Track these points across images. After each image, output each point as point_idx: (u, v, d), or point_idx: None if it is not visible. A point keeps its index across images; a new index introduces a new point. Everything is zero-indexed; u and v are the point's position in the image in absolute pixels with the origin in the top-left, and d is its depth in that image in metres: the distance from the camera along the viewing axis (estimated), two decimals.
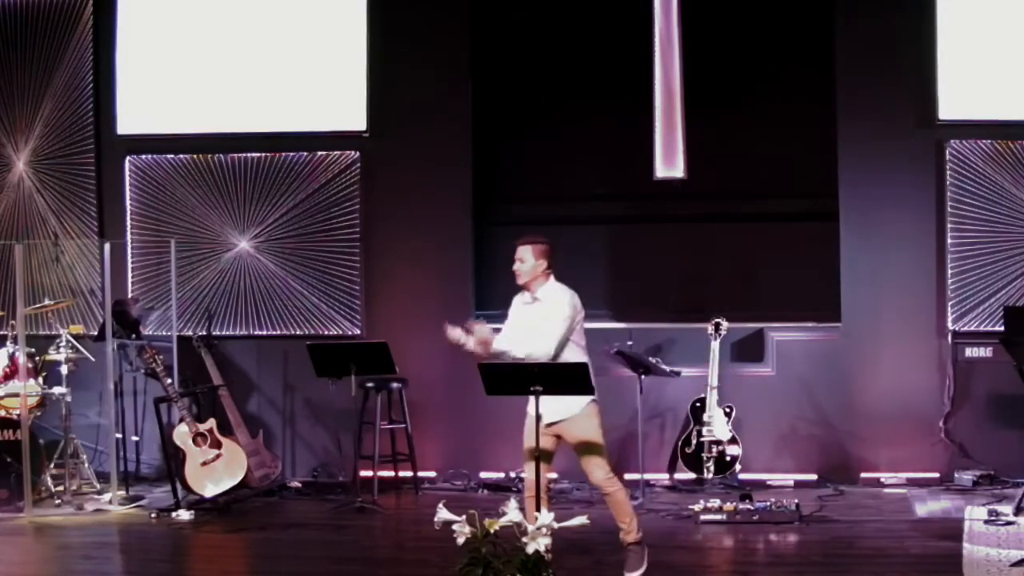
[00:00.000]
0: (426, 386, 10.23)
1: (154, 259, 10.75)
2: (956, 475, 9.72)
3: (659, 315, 10.36)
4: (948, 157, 9.91)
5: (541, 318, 7.04)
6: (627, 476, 9.93)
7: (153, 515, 9.11)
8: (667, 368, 9.60)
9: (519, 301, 7.26)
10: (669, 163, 10.07)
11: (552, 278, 7.15)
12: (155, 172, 10.82)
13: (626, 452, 9.89)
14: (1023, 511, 8.32)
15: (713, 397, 9.69)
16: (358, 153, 10.58)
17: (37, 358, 9.87)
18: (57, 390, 9.78)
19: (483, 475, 10.17)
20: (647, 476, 9.47)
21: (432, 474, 10.30)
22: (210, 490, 9.31)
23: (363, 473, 9.57)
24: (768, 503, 8.73)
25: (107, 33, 10.81)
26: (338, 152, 10.60)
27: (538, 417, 6.71)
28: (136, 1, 10.81)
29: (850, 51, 10.02)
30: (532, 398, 6.81)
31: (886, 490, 9.70)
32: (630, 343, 9.78)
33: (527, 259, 7.09)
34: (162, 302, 10.63)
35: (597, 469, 7.02)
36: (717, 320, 9.80)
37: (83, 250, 10.84)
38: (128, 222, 10.83)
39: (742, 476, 9.74)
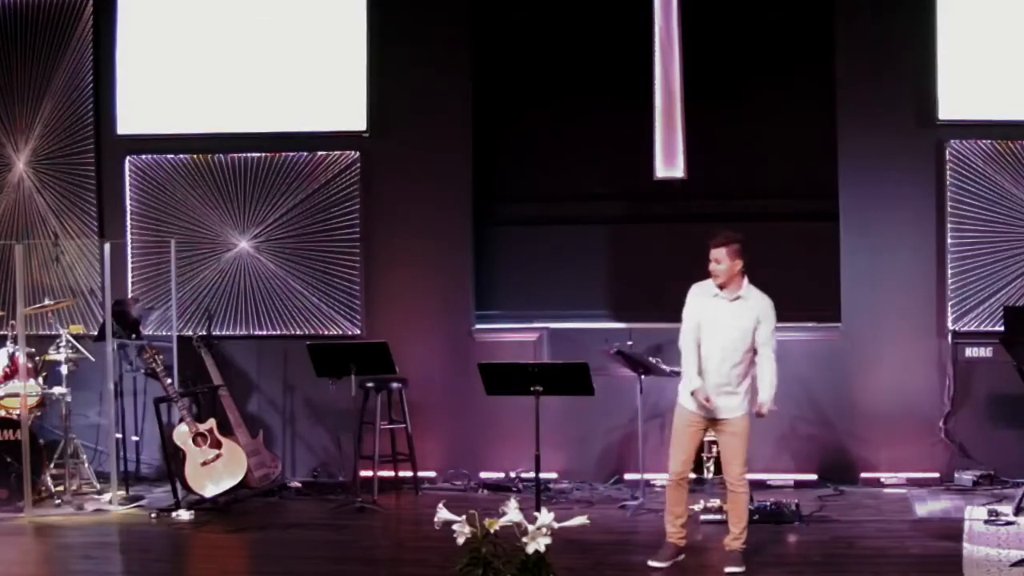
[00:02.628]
0: (426, 386, 10.23)
1: (154, 259, 10.75)
2: (956, 475, 9.72)
3: (659, 315, 10.35)
4: (948, 157, 9.91)
5: (746, 319, 7.25)
6: (627, 476, 9.95)
7: (153, 515, 9.11)
8: (667, 368, 9.57)
9: (707, 293, 7.37)
10: (669, 163, 10.08)
11: (747, 278, 7.34)
12: (155, 172, 10.82)
13: (626, 452, 9.91)
14: (1023, 511, 8.32)
15: None
16: (358, 153, 10.58)
17: (37, 358, 9.87)
18: (57, 390, 9.78)
19: (483, 475, 10.16)
20: (647, 476, 9.46)
21: (432, 474, 10.30)
22: (210, 490, 9.31)
23: (363, 473, 9.57)
24: (768, 503, 8.73)
25: (107, 33, 10.81)
26: (338, 152, 10.60)
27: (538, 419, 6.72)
28: (136, 1, 10.82)
29: (850, 51, 10.02)
30: (688, 395, 7.20)
31: (886, 490, 9.71)
32: (630, 343, 9.78)
33: (723, 261, 7.27)
34: (162, 302, 10.63)
35: (737, 466, 7.35)
36: None
37: (83, 250, 10.84)
38: (128, 222, 10.82)
39: None
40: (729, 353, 7.27)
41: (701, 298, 7.41)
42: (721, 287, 7.31)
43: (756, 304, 7.31)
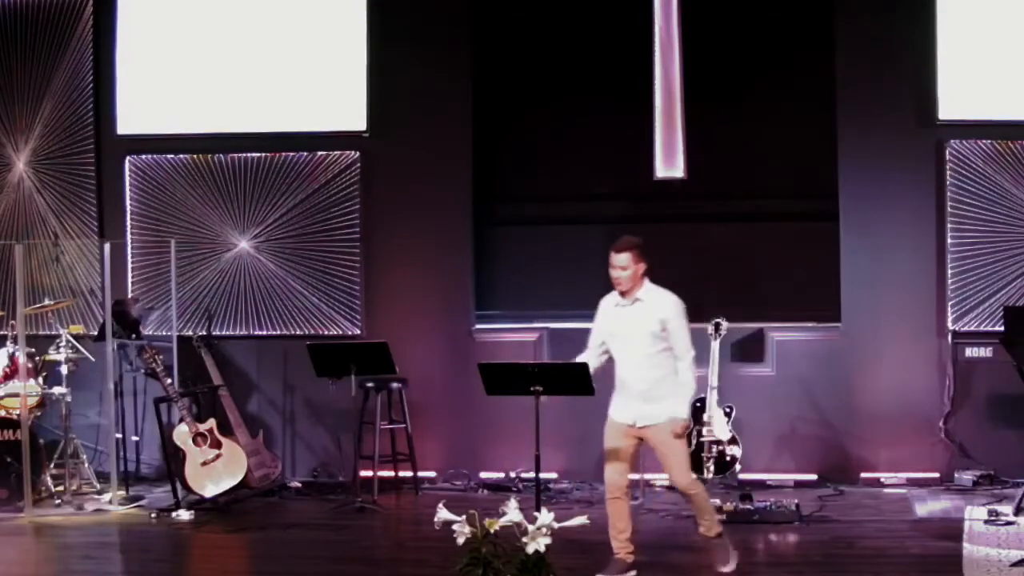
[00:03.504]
0: (426, 386, 10.24)
1: (154, 259, 10.76)
2: (956, 475, 9.72)
3: None
4: (948, 157, 9.91)
5: (649, 322, 6.99)
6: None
7: (153, 515, 9.11)
8: None
9: (610, 304, 7.16)
10: (669, 163, 10.08)
11: (647, 280, 7.10)
12: (155, 172, 10.82)
13: None
14: (1023, 511, 8.32)
15: (713, 397, 9.68)
16: (358, 153, 10.58)
17: (37, 358, 9.87)
18: (57, 390, 9.78)
19: (483, 475, 10.17)
20: (647, 476, 9.46)
21: (432, 474, 10.30)
22: (210, 490, 9.31)
23: (363, 473, 9.57)
24: (768, 503, 8.73)
25: (107, 33, 10.81)
26: (338, 152, 10.60)
27: (538, 420, 6.71)
28: (136, 1, 10.82)
29: (850, 51, 10.02)
30: (618, 402, 6.98)
31: (886, 490, 9.71)
32: None
33: (629, 267, 7.00)
34: (162, 302, 10.63)
35: (681, 473, 7.14)
36: (717, 320, 9.79)
37: (83, 250, 10.84)
38: (128, 222, 10.83)
39: (742, 476, 9.74)
40: (642, 359, 6.99)
41: (606, 311, 7.19)
42: (623, 294, 7.07)
43: (658, 304, 7.02)
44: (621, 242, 7.08)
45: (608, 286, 10.47)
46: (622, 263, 7.01)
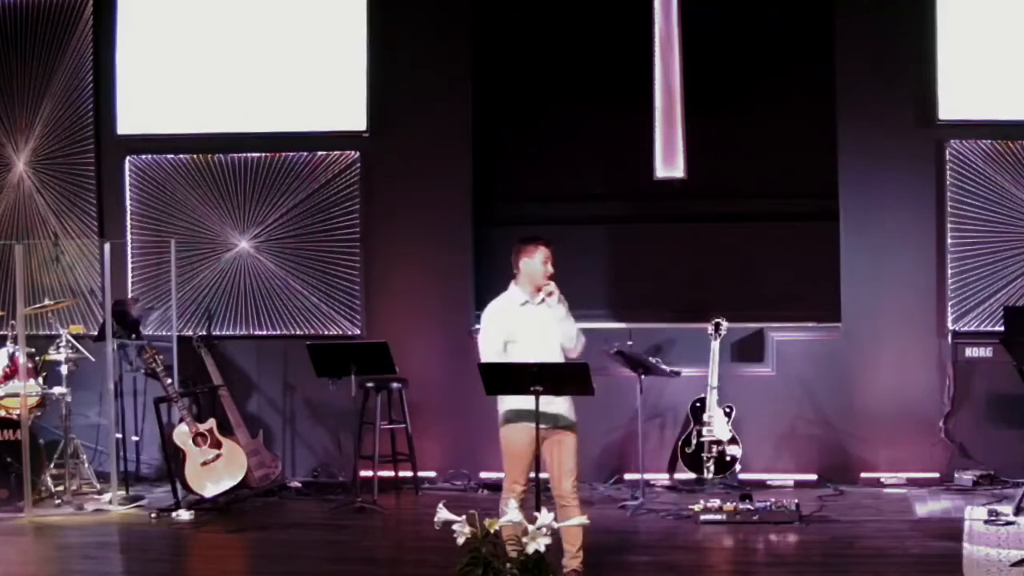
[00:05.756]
0: (426, 386, 10.23)
1: (154, 259, 10.76)
2: (956, 475, 9.72)
3: (659, 315, 10.36)
4: (948, 157, 9.92)
5: (556, 316, 6.93)
6: (627, 476, 9.96)
7: (153, 515, 9.11)
8: (667, 368, 9.60)
9: (513, 305, 7.00)
10: (669, 163, 10.08)
11: None
12: (155, 172, 10.82)
13: (626, 452, 9.91)
14: (1023, 511, 8.32)
15: (713, 397, 9.69)
16: (358, 153, 10.58)
17: (37, 358, 9.88)
18: (57, 390, 9.78)
19: (483, 475, 10.16)
20: (647, 476, 9.47)
21: (432, 474, 10.30)
22: (210, 490, 9.31)
23: (363, 473, 9.57)
24: (768, 503, 8.73)
25: (107, 33, 10.81)
26: (338, 152, 10.60)
27: (538, 421, 6.69)
28: (136, 1, 10.82)
29: (850, 51, 10.02)
30: (521, 406, 6.86)
31: (886, 490, 9.71)
32: (630, 343, 9.78)
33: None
34: (162, 302, 10.63)
35: (571, 480, 6.93)
36: (717, 320, 9.81)
37: (83, 250, 10.84)
38: (128, 222, 10.83)
39: (742, 476, 9.74)
40: (553, 358, 6.88)
41: (509, 313, 7.01)
42: (536, 291, 6.92)
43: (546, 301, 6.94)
44: (547, 238, 7.03)
45: (607, 285, 10.57)
46: (554, 259, 6.97)
